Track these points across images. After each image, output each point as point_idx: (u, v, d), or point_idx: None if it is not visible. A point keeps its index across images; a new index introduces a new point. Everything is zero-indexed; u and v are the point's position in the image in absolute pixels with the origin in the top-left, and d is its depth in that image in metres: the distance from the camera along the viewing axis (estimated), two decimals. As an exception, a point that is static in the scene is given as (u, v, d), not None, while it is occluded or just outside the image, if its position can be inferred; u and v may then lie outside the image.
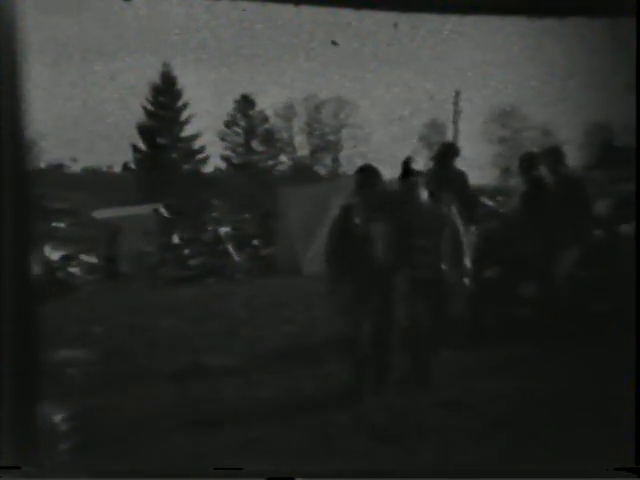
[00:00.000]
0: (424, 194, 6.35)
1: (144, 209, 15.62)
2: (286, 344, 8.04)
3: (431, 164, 8.18)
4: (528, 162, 7.92)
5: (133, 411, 6.03)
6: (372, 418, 5.80)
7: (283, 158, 17.17)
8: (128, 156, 16.85)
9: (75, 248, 12.61)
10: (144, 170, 16.04)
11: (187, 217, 15.68)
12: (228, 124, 16.24)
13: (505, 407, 5.85)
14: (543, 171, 7.85)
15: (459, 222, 6.39)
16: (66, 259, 11.98)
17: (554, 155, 7.96)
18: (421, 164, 6.40)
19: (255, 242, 15.99)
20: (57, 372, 6.45)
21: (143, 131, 16.14)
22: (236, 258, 15.02)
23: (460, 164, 8.47)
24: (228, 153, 16.48)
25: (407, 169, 6.32)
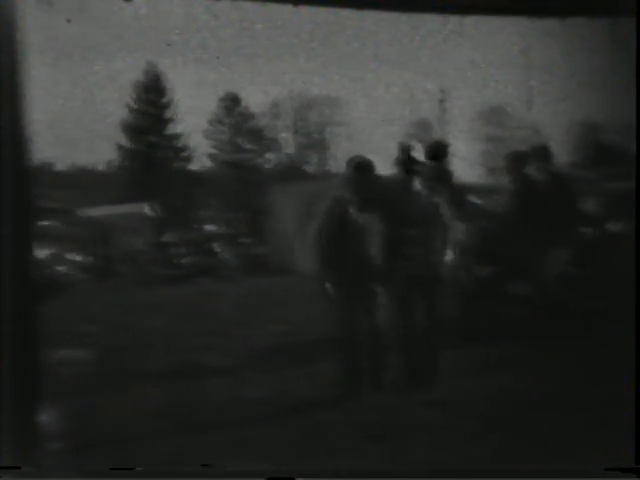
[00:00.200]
0: (418, 185, 6.32)
1: (134, 207, 15.56)
2: (278, 343, 8.04)
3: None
4: (517, 161, 7.92)
5: (126, 411, 6.00)
6: (366, 417, 5.81)
7: (271, 155, 17.12)
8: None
9: (64, 247, 12.56)
10: (133, 168, 15.98)
11: (177, 216, 15.63)
12: (212, 122, 16.23)
13: (503, 407, 5.86)
14: (532, 170, 7.86)
15: (449, 217, 6.37)
16: (55, 258, 11.93)
17: (543, 154, 7.98)
18: (421, 154, 6.36)
19: (245, 240, 15.97)
20: (48, 372, 6.42)
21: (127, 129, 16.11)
22: (226, 257, 14.99)
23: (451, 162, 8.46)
24: (215, 151, 16.46)
25: (406, 157, 6.29)
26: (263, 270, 13.95)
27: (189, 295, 11.67)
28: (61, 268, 12.21)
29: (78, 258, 12.91)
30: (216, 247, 15.04)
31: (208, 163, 16.90)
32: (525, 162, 7.85)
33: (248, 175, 16.45)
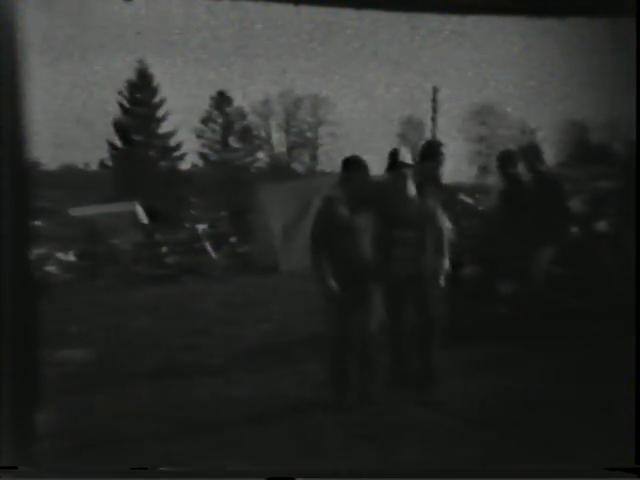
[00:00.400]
0: (411, 187, 6.31)
1: (121, 207, 15.52)
2: (264, 342, 8.02)
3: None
4: (506, 160, 7.92)
5: (115, 411, 5.98)
6: (358, 417, 5.80)
7: (260, 155, 17.14)
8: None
9: (52, 246, 12.52)
10: (121, 167, 15.94)
11: (164, 215, 15.60)
12: (205, 120, 16.18)
13: (503, 407, 5.86)
14: (521, 169, 7.87)
15: (444, 219, 6.37)
16: (42, 257, 11.88)
17: (532, 153, 8.00)
18: (409, 157, 6.35)
19: (232, 240, 15.95)
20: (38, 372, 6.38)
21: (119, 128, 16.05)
22: (213, 256, 14.97)
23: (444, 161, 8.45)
24: (205, 150, 16.41)
25: (394, 161, 6.28)
26: (250, 269, 13.97)
27: (177, 294, 11.66)
28: (51, 268, 12.17)
29: (70, 258, 12.87)
30: (204, 246, 15.03)
31: (199, 162, 16.92)
32: (516, 161, 7.86)
33: (237, 174, 16.45)
